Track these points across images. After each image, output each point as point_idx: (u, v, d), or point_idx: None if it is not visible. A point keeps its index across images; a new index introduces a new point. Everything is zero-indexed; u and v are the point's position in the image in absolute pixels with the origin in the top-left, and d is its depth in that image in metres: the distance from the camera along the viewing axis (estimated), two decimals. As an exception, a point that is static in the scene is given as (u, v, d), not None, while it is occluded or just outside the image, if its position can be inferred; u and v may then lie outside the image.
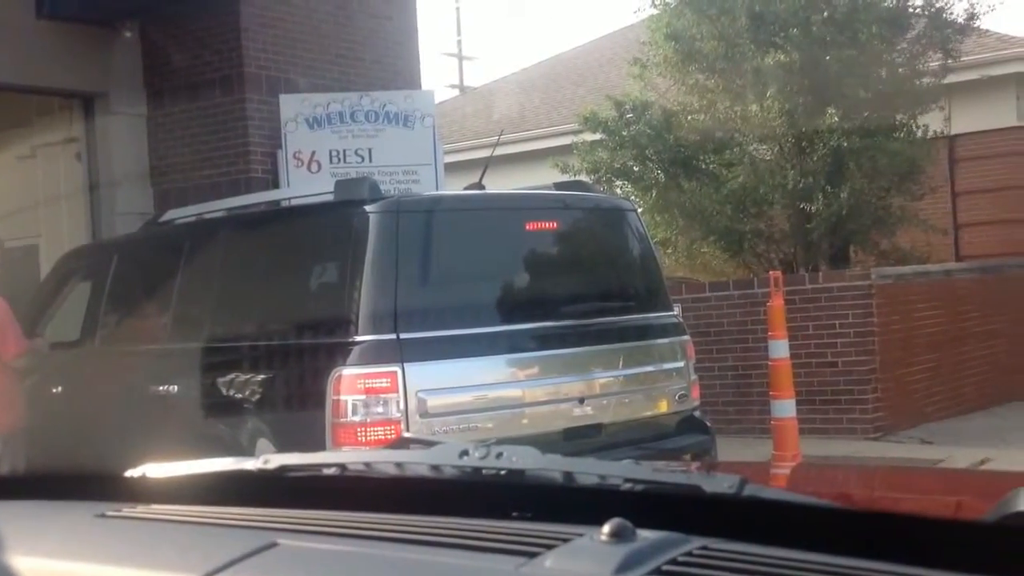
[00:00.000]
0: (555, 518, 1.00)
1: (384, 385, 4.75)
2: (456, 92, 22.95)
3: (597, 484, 1.13)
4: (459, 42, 26.43)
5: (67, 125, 9.32)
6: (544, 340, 5.26)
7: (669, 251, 10.89)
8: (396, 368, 4.76)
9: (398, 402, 4.72)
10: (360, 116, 8.86)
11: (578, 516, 0.97)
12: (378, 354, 4.78)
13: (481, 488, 1.20)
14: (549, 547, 0.94)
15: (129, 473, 1.40)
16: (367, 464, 1.29)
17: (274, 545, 1.06)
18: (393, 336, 4.82)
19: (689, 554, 0.91)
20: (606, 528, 0.94)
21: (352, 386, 4.73)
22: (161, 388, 5.61)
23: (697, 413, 5.81)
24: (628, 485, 1.09)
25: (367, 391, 4.72)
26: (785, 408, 7.54)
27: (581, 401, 5.23)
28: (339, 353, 4.82)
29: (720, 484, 1.07)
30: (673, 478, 1.19)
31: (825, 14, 10.14)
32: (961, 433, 8.96)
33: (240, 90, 8.66)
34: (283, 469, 1.29)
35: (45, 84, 8.77)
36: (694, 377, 5.83)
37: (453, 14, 31.80)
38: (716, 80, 10.58)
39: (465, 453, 1.21)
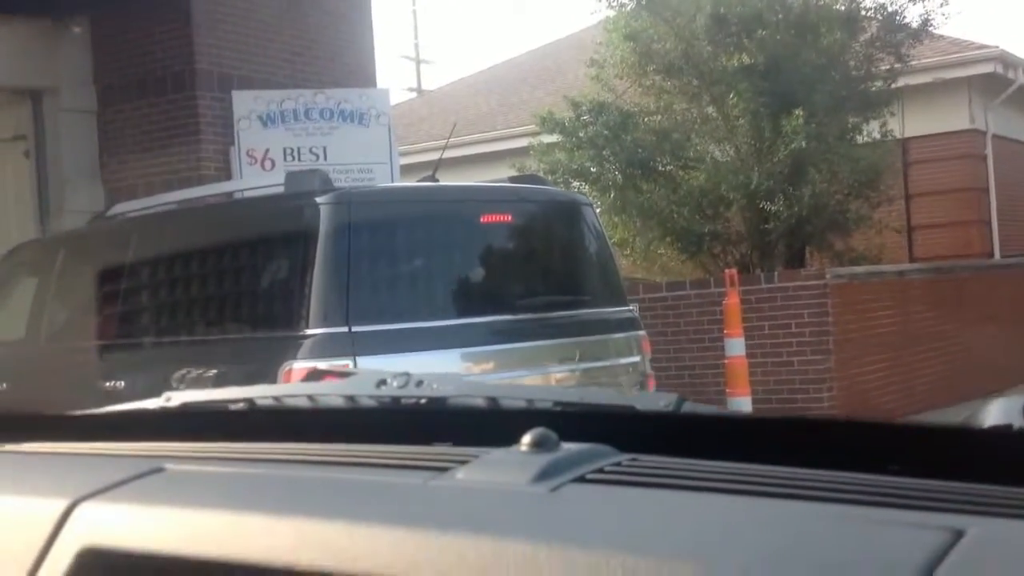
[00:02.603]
0: (481, 443, 0.93)
1: (336, 378, 4.67)
2: (414, 95, 22.88)
3: (524, 407, 1.07)
4: (416, 45, 26.40)
5: (15, 122, 9.15)
6: (499, 333, 5.20)
7: (627, 252, 10.88)
8: (348, 361, 4.67)
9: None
10: (315, 114, 8.77)
11: (504, 440, 0.90)
12: (330, 347, 4.70)
13: (400, 417, 1.13)
14: (464, 462, 0.88)
15: (22, 414, 1.32)
16: (277, 398, 1.23)
17: (160, 470, 0.99)
18: (345, 329, 4.74)
19: (618, 464, 0.85)
20: (526, 438, 0.88)
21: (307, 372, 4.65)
22: (108, 384, 5.48)
23: (653, 407, 5.78)
24: (558, 408, 1.03)
25: (319, 384, 4.64)
26: (741, 405, 7.55)
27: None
28: (290, 346, 4.73)
29: (655, 402, 1.01)
30: (606, 398, 1.13)
31: (780, 16, 10.19)
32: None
33: (192, 87, 8.54)
34: (186, 406, 1.22)
35: (-8, 80, 8.61)
36: (650, 372, 5.80)
37: (411, 17, 31.76)
38: (673, 82, 10.60)
39: (383, 383, 1.14)
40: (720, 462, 0.84)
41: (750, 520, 0.73)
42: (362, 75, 9.61)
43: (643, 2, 10.56)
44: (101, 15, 8.81)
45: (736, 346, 7.72)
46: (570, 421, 1.00)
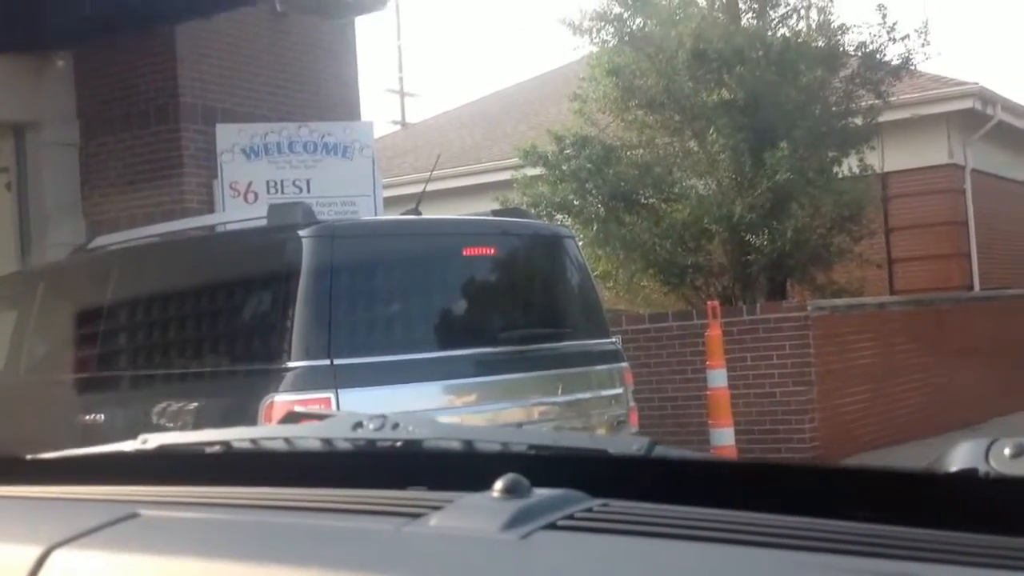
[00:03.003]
0: (455, 487, 0.94)
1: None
2: (398, 128, 22.96)
3: (497, 451, 1.07)
4: (400, 79, 26.50)
5: (-4, 154, 9.14)
6: (482, 366, 5.20)
7: (610, 284, 10.91)
8: (330, 394, 4.66)
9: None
10: (298, 147, 8.79)
11: (478, 484, 0.91)
12: (312, 380, 4.69)
13: (375, 460, 1.13)
14: (437, 508, 0.89)
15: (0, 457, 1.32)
16: (254, 441, 1.23)
17: (134, 516, 0.99)
18: (327, 362, 4.73)
19: (589, 510, 0.86)
20: (498, 484, 0.89)
21: (285, 413, 4.63)
22: (88, 417, 5.45)
23: (635, 441, 5.78)
24: (532, 451, 1.04)
25: (300, 418, 4.62)
26: (724, 436, 7.56)
27: (520, 427, 5.17)
28: (272, 379, 4.71)
29: (628, 446, 1.02)
30: (578, 442, 1.14)
31: (760, 53, 10.30)
32: (897, 463, 9.03)
33: (175, 120, 8.55)
34: (162, 448, 1.22)
35: (-27, 113, 8.60)
36: (632, 404, 5.81)
37: (395, 51, 31.90)
38: (655, 116, 10.68)
39: (359, 425, 1.15)
40: (689, 507, 0.85)
41: (709, 569, 0.74)
42: (346, 108, 9.65)
43: (625, 38, 10.65)
44: (84, 49, 8.83)
45: (718, 377, 7.74)
46: (543, 465, 1.01)
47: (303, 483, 1.03)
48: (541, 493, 0.87)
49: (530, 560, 0.79)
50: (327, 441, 1.17)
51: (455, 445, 1.12)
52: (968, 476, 0.86)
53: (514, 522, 0.82)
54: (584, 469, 1.00)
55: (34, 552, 0.94)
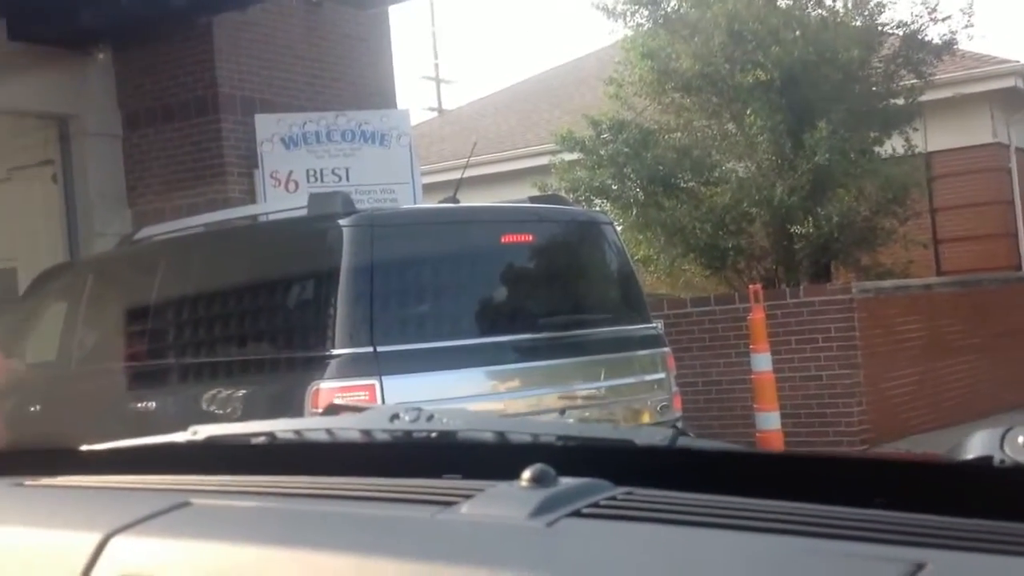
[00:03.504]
0: (486, 476, 0.97)
1: (362, 398, 4.71)
2: (434, 115, 23.00)
3: (528, 441, 1.10)
4: (436, 65, 26.53)
5: (42, 147, 9.27)
6: (522, 352, 5.23)
7: (651, 269, 10.89)
8: (374, 381, 4.72)
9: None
10: (336, 135, 8.84)
11: (508, 473, 0.95)
12: (355, 367, 4.75)
13: (412, 450, 1.17)
14: (469, 496, 0.92)
15: (56, 448, 1.37)
16: (297, 432, 1.27)
17: (186, 504, 1.04)
18: (370, 349, 4.78)
19: (613, 498, 0.89)
20: (526, 474, 0.92)
21: (330, 399, 4.68)
22: (139, 405, 5.55)
23: (680, 424, 5.77)
24: (560, 441, 1.07)
25: (344, 405, 4.68)
26: (769, 420, 7.54)
27: (562, 413, 5.19)
28: (316, 367, 4.78)
29: (653, 437, 1.04)
30: (606, 432, 1.16)
31: (797, 33, 10.20)
32: (946, 445, 8.92)
33: (215, 111, 8.63)
34: (213, 439, 1.26)
35: (19, 107, 8.73)
36: (675, 388, 5.80)
37: (430, 38, 31.94)
38: (693, 99, 10.62)
39: (396, 417, 1.18)
40: (711, 496, 0.87)
41: (730, 555, 0.76)
42: (383, 96, 9.69)
43: (660, 21, 10.59)
44: (125, 42, 8.93)
45: (762, 361, 7.71)
46: (570, 455, 1.04)
47: (344, 472, 1.07)
48: (567, 482, 0.90)
49: (556, 546, 0.82)
50: (366, 432, 1.21)
51: (487, 436, 1.16)
52: (983, 464, 0.88)
53: (541, 510, 0.85)
54: (610, 459, 1.03)
55: (94, 539, 0.99)
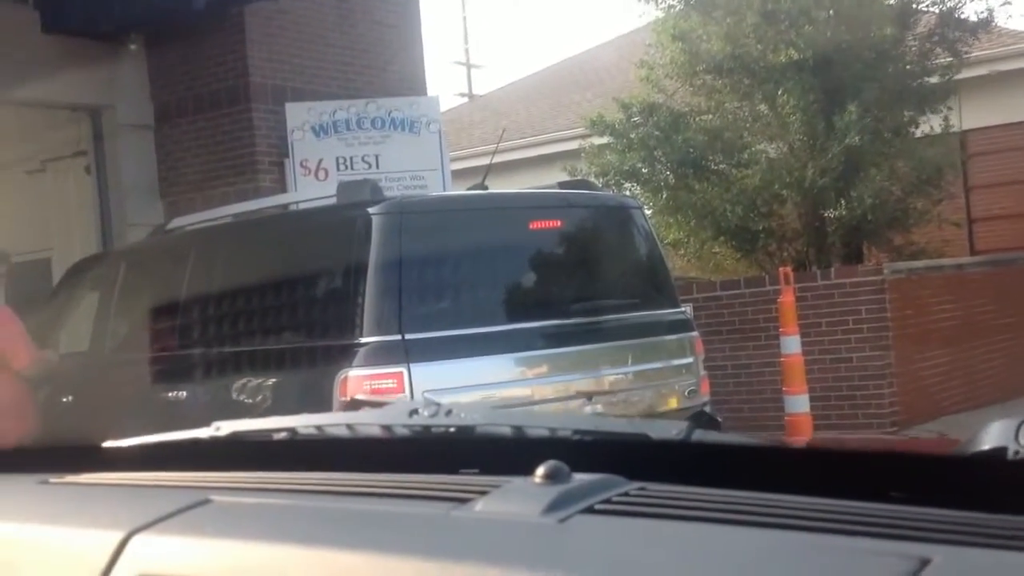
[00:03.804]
0: (502, 471, 0.99)
1: (390, 386, 4.74)
2: (465, 100, 22.99)
3: (543, 436, 1.12)
4: (467, 50, 26.51)
5: (75, 138, 9.37)
6: (551, 338, 5.24)
7: (681, 252, 10.86)
8: (402, 369, 4.75)
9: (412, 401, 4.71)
10: (366, 123, 8.87)
11: (524, 467, 0.96)
12: (384, 355, 4.77)
13: (430, 445, 1.19)
14: (483, 493, 0.94)
15: (80, 445, 1.40)
16: (318, 427, 1.29)
17: (207, 502, 1.06)
18: (398, 337, 4.81)
19: (625, 494, 0.90)
20: (540, 470, 0.94)
21: (358, 387, 4.72)
22: (170, 395, 5.62)
23: (708, 408, 5.77)
24: (576, 436, 1.08)
25: (373, 392, 4.71)
26: (798, 403, 7.51)
27: (590, 398, 5.20)
28: (345, 355, 4.81)
29: (667, 431, 1.05)
30: (621, 427, 1.18)
31: (830, 11, 10.10)
32: (979, 427, 8.85)
33: (246, 100, 8.68)
34: (235, 435, 1.29)
35: (52, 98, 8.82)
36: (703, 373, 5.79)
37: (461, 23, 31.91)
38: (724, 80, 10.55)
39: (415, 412, 1.20)
40: (723, 490, 0.88)
41: (731, 551, 0.77)
42: (413, 83, 9.70)
43: (691, 2, 10.53)
44: (156, 32, 8.99)
45: (792, 344, 7.67)
46: (585, 449, 1.05)
47: (363, 468, 1.09)
48: (580, 478, 0.92)
49: (568, 543, 0.84)
50: (385, 428, 1.23)
51: (504, 431, 1.17)
52: (997, 456, 0.88)
53: (553, 507, 0.86)
54: (624, 453, 1.04)
55: (116, 536, 1.01)
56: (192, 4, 8.06)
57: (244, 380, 5.23)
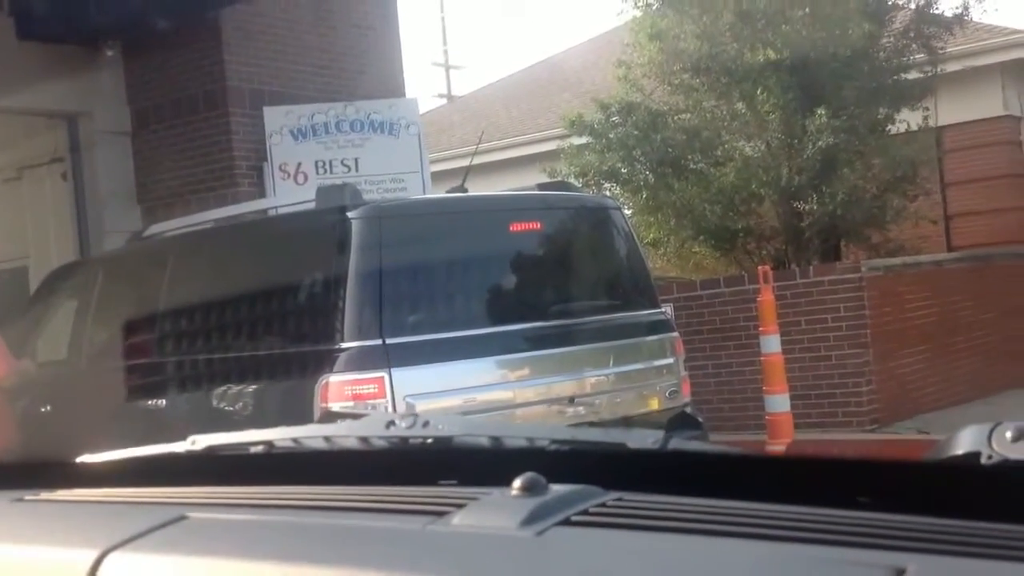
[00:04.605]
0: (480, 482, 0.99)
1: (372, 391, 4.74)
2: (444, 101, 22.97)
3: (521, 446, 1.12)
4: (445, 51, 26.48)
5: (52, 145, 9.32)
6: (532, 341, 5.25)
7: (661, 251, 10.88)
8: (383, 373, 4.74)
9: (386, 407, 4.70)
10: (345, 126, 8.86)
11: (502, 479, 0.96)
12: (365, 360, 4.77)
13: (408, 457, 1.19)
14: (461, 506, 0.94)
15: (56, 460, 1.40)
16: (295, 440, 1.29)
17: (182, 519, 1.06)
18: (379, 342, 4.81)
19: (602, 505, 0.90)
20: (517, 483, 0.94)
21: (339, 393, 4.72)
22: (150, 403, 5.59)
23: (689, 409, 5.79)
24: (554, 446, 1.08)
25: (354, 397, 4.71)
26: (779, 403, 7.54)
27: (571, 401, 5.22)
28: (325, 360, 4.81)
29: (644, 440, 1.06)
30: (598, 436, 1.18)
31: (807, 9, 10.14)
32: (958, 423, 8.88)
33: (223, 104, 8.65)
34: (210, 449, 1.28)
35: (28, 105, 8.76)
36: (684, 373, 5.82)
37: (439, 24, 31.88)
38: (701, 79, 10.58)
39: (392, 423, 1.20)
40: (697, 499, 0.88)
41: (713, 562, 0.77)
42: (391, 85, 9.69)
43: (668, 1, 10.55)
44: (133, 37, 8.95)
45: (772, 343, 7.71)
46: (563, 460, 1.05)
47: (340, 481, 1.09)
48: (557, 489, 0.92)
49: (545, 556, 0.84)
50: (362, 439, 1.23)
51: (482, 442, 1.18)
52: (970, 461, 0.88)
53: (530, 519, 0.86)
54: (602, 463, 1.04)
55: (90, 556, 1.01)
56: (169, 7, 8.03)
57: (224, 387, 5.22)
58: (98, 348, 6.25)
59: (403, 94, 9.83)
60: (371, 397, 4.70)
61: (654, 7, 10.73)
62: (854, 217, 10.09)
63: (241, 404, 5.12)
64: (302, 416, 4.70)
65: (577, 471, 0.97)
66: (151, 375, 5.70)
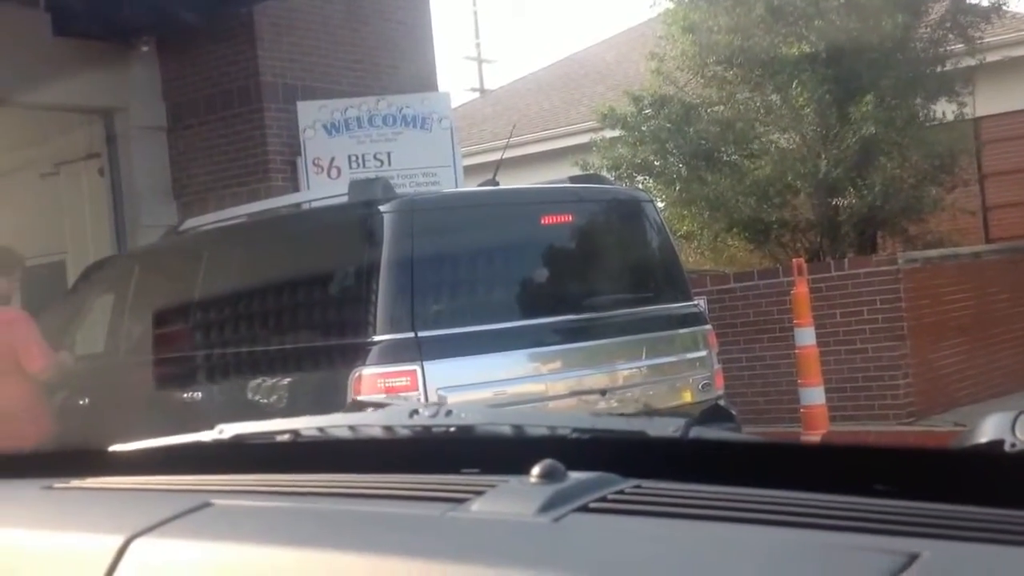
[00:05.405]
0: (501, 470, 1.00)
1: (404, 384, 4.76)
2: (477, 95, 22.99)
3: (542, 435, 1.13)
4: (478, 45, 26.50)
5: (88, 141, 9.42)
6: (564, 333, 5.24)
7: (694, 244, 10.84)
8: (416, 367, 4.76)
9: (418, 400, 4.72)
10: (378, 120, 8.89)
11: (522, 466, 0.97)
12: (397, 353, 4.79)
13: (431, 445, 1.20)
14: (480, 493, 0.94)
15: (86, 449, 1.42)
16: (321, 429, 1.30)
17: (207, 505, 1.07)
18: (412, 335, 4.82)
19: (620, 492, 0.90)
20: (535, 470, 0.94)
21: (372, 386, 4.74)
22: (185, 395, 5.64)
23: (722, 402, 5.77)
24: (574, 434, 1.09)
25: (387, 390, 4.73)
26: (813, 395, 7.50)
27: (603, 393, 5.21)
28: (358, 353, 4.83)
29: (665, 428, 1.06)
30: (618, 424, 1.18)
31: (840, 2, 10.05)
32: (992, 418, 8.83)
33: (258, 99, 8.71)
34: (238, 438, 1.30)
35: (65, 101, 8.87)
36: (717, 366, 5.79)
37: (471, 18, 31.92)
38: (735, 72, 10.52)
39: (415, 412, 1.21)
40: (715, 487, 0.88)
41: (720, 549, 0.77)
42: (424, 80, 9.71)
43: (701, -7, 10.50)
44: (168, 33, 9.03)
45: (806, 335, 7.66)
46: (583, 448, 1.05)
47: (363, 469, 1.10)
48: (576, 476, 0.92)
49: (562, 542, 0.84)
50: (386, 428, 1.24)
51: (503, 430, 1.18)
52: (993, 449, 0.88)
53: (548, 506, 0.87)
54: (621, 451, 1.04)
55: (116, 541, 1.02)
56: (204, 3, 8.09)
57: (258, 380, 5.25)
58: (135, 341, 6.31)
59: (435, 88, 9.85)
60: (403, 390, 4.72)
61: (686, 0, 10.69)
62: (891, 208, 10.00)
63: (275, 396, 5.15)
64: (335, 409, 4.70)
65: (596, 459, 0.97)
66: (187, 368, 5.76)
